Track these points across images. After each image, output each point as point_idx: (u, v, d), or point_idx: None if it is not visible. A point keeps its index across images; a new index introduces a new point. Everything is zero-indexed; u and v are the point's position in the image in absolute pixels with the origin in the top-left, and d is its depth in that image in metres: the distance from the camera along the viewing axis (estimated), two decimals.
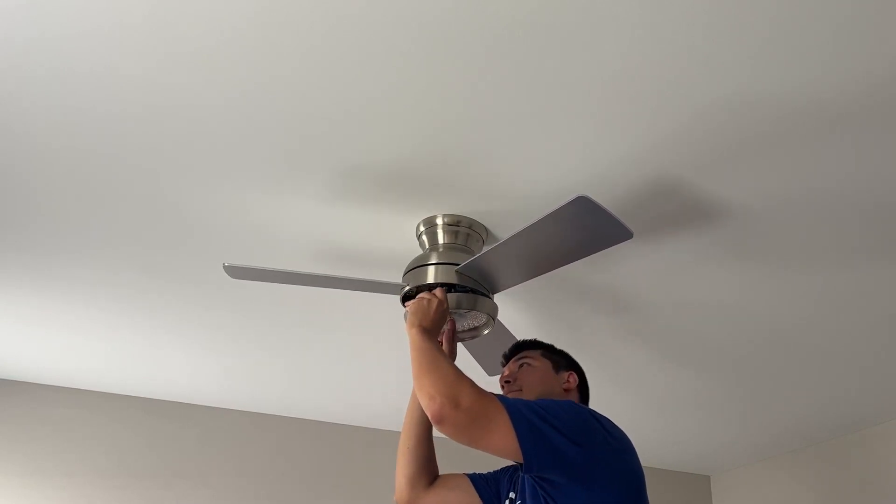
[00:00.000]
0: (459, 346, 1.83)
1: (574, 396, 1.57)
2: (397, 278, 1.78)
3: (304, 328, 2.36)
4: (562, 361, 1.62)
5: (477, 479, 1.62)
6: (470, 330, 1.71)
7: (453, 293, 1.60)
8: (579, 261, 1.54)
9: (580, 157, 1.47)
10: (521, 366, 1.60)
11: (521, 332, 2.08)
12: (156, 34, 1.22)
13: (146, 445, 3.03)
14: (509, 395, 1.54)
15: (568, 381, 1.58)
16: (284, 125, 1.43)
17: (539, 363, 1.60)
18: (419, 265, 1.64)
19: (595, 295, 2.00)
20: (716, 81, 1.25)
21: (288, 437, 3.21)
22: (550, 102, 1.32)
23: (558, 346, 1.68)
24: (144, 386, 3.00)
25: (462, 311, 1.62)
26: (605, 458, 1.29)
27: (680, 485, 3.57)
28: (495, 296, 1.70)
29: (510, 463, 1.52)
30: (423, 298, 1.54)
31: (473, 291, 1.61)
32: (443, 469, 1.66)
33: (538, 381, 1.56)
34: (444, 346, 1.68)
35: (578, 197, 1.30)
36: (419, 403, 1.42)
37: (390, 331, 2.27)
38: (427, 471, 1.61)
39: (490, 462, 1.51)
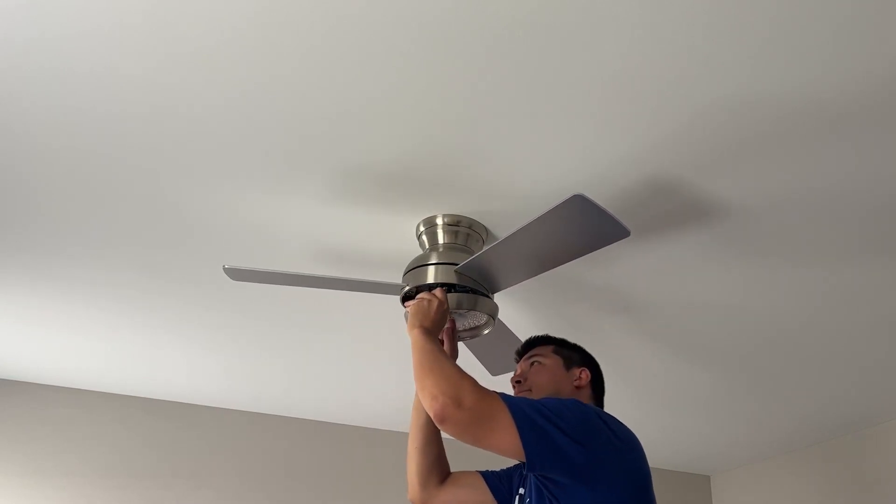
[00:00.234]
0: (461, 345, 1.83)
1: (586, 393, 1.54)
2: (397, 278, 1.79)
3: (304, 328, 2.36)
4: (574, 356, 1.59)
5: (489, 476, 1.61)
6: (470, 329, 1.71)
7: (453, 293, 1.60)
8: (579, 260, 1.54)
9: (580, 157, 1.47)
10: (532, 364, 1.58)
11: (522, 332, 2.08)
12: (156, 34, 1.22)
13: (146, 445, 3.03)
14: (524, 395, 1.54)
15: (579, 377, 1.55)
16: (284, 125, 1.43)
17: (549, 361, 1.58)
18: (419, 265, 1.64)
19: (595, 294, 2.00)
20: (716, 81, 1.25)
21: (288, 437, 3.21)
22: (550, 102, 1.32)
23: None
24: (144, 386, 3.00)
25: (462, 311, 1.62)
26: (608, 457, 1.28)
27: (680, 485, 3.57)
28: (495, 295, 1.70)
29: None
30: (423, 299, 1.54)
31: (473, 291, 1.61)
32: (456, 466, 1.65)
33: (548, 381, 1.54)
34: (446, 346, 1.68)
35: (574, 196, 1.30)
36: None
37: (390, 331, 2.27)
38: (438, 469, 1.62)
39: (500, 459, 1.50)
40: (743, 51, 1.18)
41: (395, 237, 1.80)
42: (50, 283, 2.16)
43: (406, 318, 1.58)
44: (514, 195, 1.60)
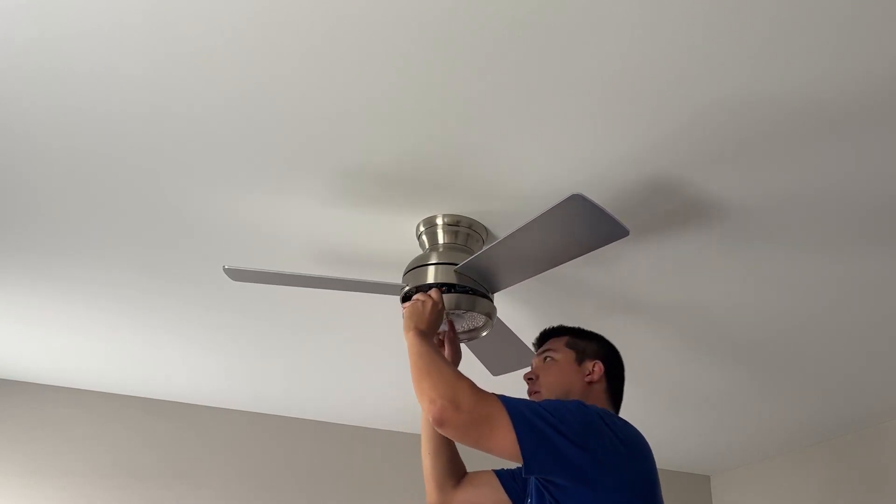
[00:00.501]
0: (462, 346, 1.82)
1: (599, 388, 1.50)
2: (397, 279, 1.79)
3: (304, 328, 2.36)
4: (588, 348, 1.55)
5: (504, 475, 1.60)
6: (469, 331, 1.71)
7: (452, 294, 1.59)
8: (579, 260, 1.54)
9: (580, 157, 1.47)
10: (546, 359, 1.55)
11: (522, 332, 2.08)
12: (156, 34, 1.22)
13: (146, 445, 3.03)
14: (531, 395, 1.53)
15: (592, 371, 1.51)
16: (284, 125, 1.43)
17: (561, 355, 1.54)
18: (419, 265, 1.64)
19: (595, 294, 2.00)
20: (716, 81, 1.25)
21: (288, 437, 3.21)
22: (550, 102, 1.32)
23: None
24: (144, 386, 3.00)
25: (460, 311, 1.62)
26: (611, 461, 1.26)
27: (680, 485, 3.57)
28: (495, 295, 1.70)
29: None
30: (417, 300, 1.54)
31: (473, 291, 1.61)
32: (470, 465, 1.65)
33: (558, 379, 1.51)
34: (447, 352, 1.68)
35: (573, 195, 1.30)
36: None
37: (390, 331, 2.27)
38: (453, 472, 1.61)
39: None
40: (743, 51, 1.18)
41: (395, 237, 1.80)
42: (50, 283, 2.16)
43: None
44: (514, 195, 1.60)
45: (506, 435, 1.22)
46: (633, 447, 1.32)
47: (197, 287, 2.13)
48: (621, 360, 1.58)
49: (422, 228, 1.73)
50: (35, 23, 1.22)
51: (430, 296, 1.55)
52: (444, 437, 1.61)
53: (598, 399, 1.48)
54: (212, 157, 1.54)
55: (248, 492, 3.05)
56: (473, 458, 1.59)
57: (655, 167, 1.48)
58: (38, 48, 1.27)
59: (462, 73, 1.26)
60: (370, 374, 2.69)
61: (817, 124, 1.33)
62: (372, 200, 1.66)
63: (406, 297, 1.65)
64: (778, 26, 1.13)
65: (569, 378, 1.50)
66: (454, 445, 1.63)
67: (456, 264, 1.59)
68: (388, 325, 2.23)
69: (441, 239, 1.71)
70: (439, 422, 1.25)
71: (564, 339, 1.58)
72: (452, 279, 1.59)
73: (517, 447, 1.21)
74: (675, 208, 1.61)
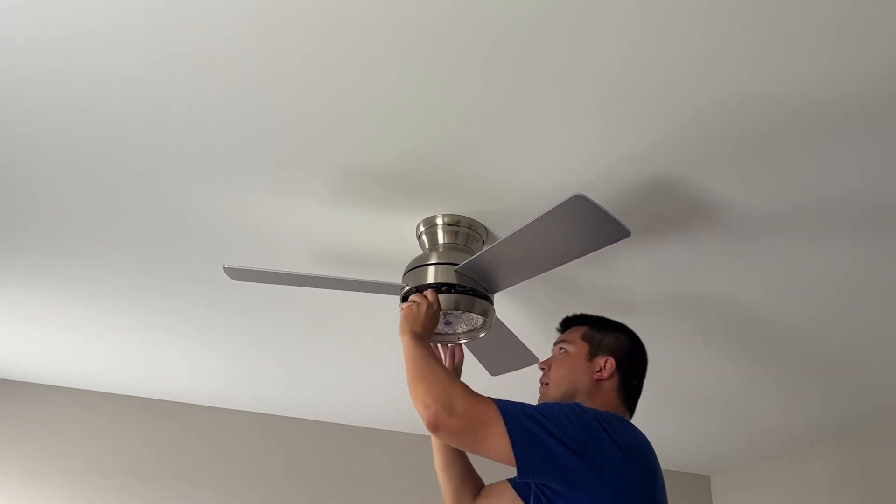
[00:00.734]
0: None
1: (608, 386, 1.45)
2: (397, 279, 1.79)
3: (305, 328, 2.36)
4: (604, 342, 1.49)
5: (518, 483, 1.55)
6: (468, 331, 1.71)
7: (450, 294, 1.59)
8: (579, 260, 1.54)
9: (580, 157, 1.47)
10: (560, 350, 1.52)
11: (522, 332, 2.09)
12: (156, 34, 1.22)
13: (146, 445, 3.03)
14: (541, 385, 1.51)
15: (602, 368, 1.46)
16: (284, 125, 1.43)
17: (575, 348, 1.50)
18: (419, 265, 1.64)
19: (595, 294, 2.00)
20: (716, 81, 1.25)
21: (288, 437, 3.21)
22: (550, 102, 1.32)
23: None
24: (144, 386, 3.00)
25: (458, 311, 1.61)
26: (608, 467, 1.24)
27: (680, 485, 3.57)
28: (495, 295, 1.70)
29: None
30: (412, 303, 1.54)
31: (473, 291, 1.61)
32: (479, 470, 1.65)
33: (566, 373, 1.47)
34: (446, 363, 1.69)
35: (575, 196, 1.30)
36: None
37: (390, 331, 2.27)
38: (468, 484, 1.59)
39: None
40: (743, 51, 1.18)
41: (395, 237, 1.80)
42: (50, 283, 2.16)
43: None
44: (514, 195, 1.60)
45: (500, 439, 1.21)
46: (633, 453, 1.29)
47: (197, 287, 2.13)
48: (642, 358, 1.52)
49: (422, 228, 1.73)
50: (35, 23, 1.22)
51: (425, 297, 1.55)
52: (454, 450, 1.60)
53: (607, 398, 1.44)
54: (212, 157, 1.54)
55: (248, 492, 3.05)
56: (486, 468, 1.58)
57: (655, 167, 1.48)
58: (38, 48, 1.27)
59: (462, 73, 1.26)
60: (370, 374, 2.69)
61: (817, 124, 1.33)
62: (372, 200, 1.66)
63: (406, 298, 1.65)
64: (778, 26, 1.13)
65: (577, 373, 1.46)
66: (467, 459, 1.62)
67: (456, 264, 1.59)
68: (389, 326, 2.23)
69: (441, 239, 1.71)
70: (433, 427, 1.25)
71: (583, 329, 1.53)
72: (452, 279, 1.59)
73: (511, 451, 1.20)
74: (676, 208, 1.61)
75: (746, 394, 2.61)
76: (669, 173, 1.49)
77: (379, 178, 1.58)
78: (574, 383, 1.46)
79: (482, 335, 1.71)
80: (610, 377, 1.45)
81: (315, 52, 1.24)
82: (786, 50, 1.18)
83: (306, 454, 3.19)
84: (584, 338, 1.51)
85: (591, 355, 1.48)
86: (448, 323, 1.66)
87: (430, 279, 1.60)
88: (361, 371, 2.68)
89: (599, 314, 1.60)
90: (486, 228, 1.73)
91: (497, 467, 1.29)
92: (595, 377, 1.45)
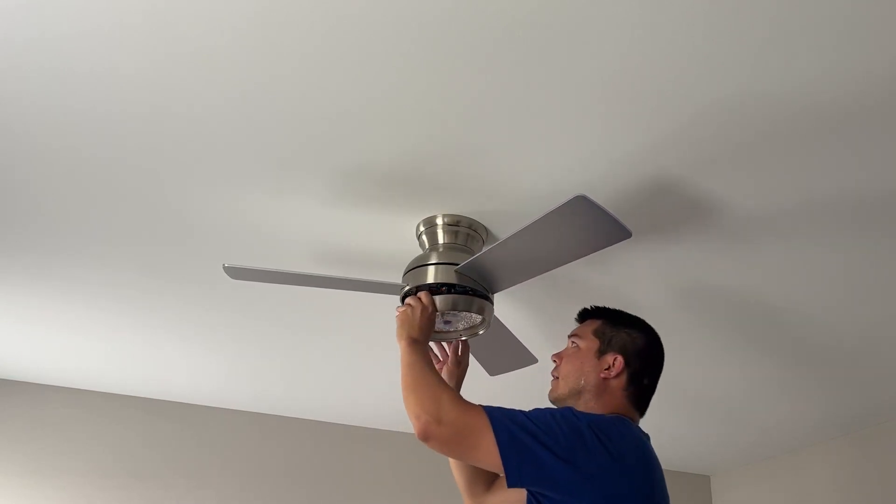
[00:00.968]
0: None
1: (616, 386, 1.42)
2: (397, 278, 1.78)
3: (304, 328, 2.36)
4: (615, 339, 1.46)
5: None
6: (467, 329, 1.71)
7: (449, 294, 1.59)
8: (580, 260, 1.54)
9: (580, 157, 1.47)
10: (573, 344, 1.50)
11: (522, 332, 2.09)
12: (156, 34, 1.22)
13: (146, 445, 3.03)
14: (552, 381, 1.50)
15: (611, 366, 1.43)
16: (284, 125, 1.43)
17: (586, 343, 1.47)
18: (419, 265, 1.64)
19: (595, 294, 2.00)
20: (716, 81, 1.25)
21: (288, 437, 3.21)
22: (550, 102, 1.32)
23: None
24: (144, 386, 3.00)
25: (457, 311, 1.61)
26: (598, 474, 1.22)
27: (680, 485, 3.57)
28: (496, 295, 1.70)
29: None
30: (408, 306, 1.54)
31: (473, 291, 1.61)
32: None
33: (575, 369, 1.45)
34: (449, 362, 1.69)
35: (577, 196, 1.30)
36: None
37: (390, 331, 2.26)
38: (480, 478, 1.59)
39: None
40: (743, 51, 1.18)
41: (395, 237, 1.80)
42: (50, 283, 2.16)
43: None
44: (514, 195, 1.60)
45: (489, 448, 1.21)
46: (627, 461, 1.26)
47: (197, 287, 2.13)
48: (657, 356, 1.49)
49: (422, 228, 1.73)
50: (35, 23, 1.22)
51: (420, 300, 1.55)
52: None
53: (613, 397, 1.42)
54: (212, 157, 1.54)
55: (248, 492, 3.05)
56: None
57: (656, 167, 1.48)
58: (38, 48, 1.27)
59: (462, 73, 1.26)
60: (370, 374, 2.69)
61: (817, 124, 1.33)
62: (372, 200, 1.66)
63: (405, 298, 1.65)
64: (778, 26, 1.13)
65: (585, 371, 1.44)
66: None
67: (456, 264, 1.59)
68: (388, 326, 2.22)
69: (441, 239, 1.71)
70: (424, 437, 1.25)
71: (596, 324, 1.50)
72: (453, 279, 1.59)
73: (500, 461, 1.20)
74: (676, 208, 1.61)
75: (747, 393, 2.61)
76: (670, 173, 1.49)
77: (379, 178, 1.58)
78: (581, 380, 1.44)
79: (481, 332, 1.71)
80: (617, 376, 1.42)
81: (315, 52, 1.24)
82: (786, 50, 1.17)
83: (306, 454, 3.19)
84: (595, 333, 1.48)
85: (601, 353, 1.45)
86: (447, 322, 1.67)
87: (431, 279, 1.60)
88: (361, 371, 2.67)
89: (592, 304, 1.57)
90: (486, 228, 1.73)
91: None
92: (602, 375, 1.42)
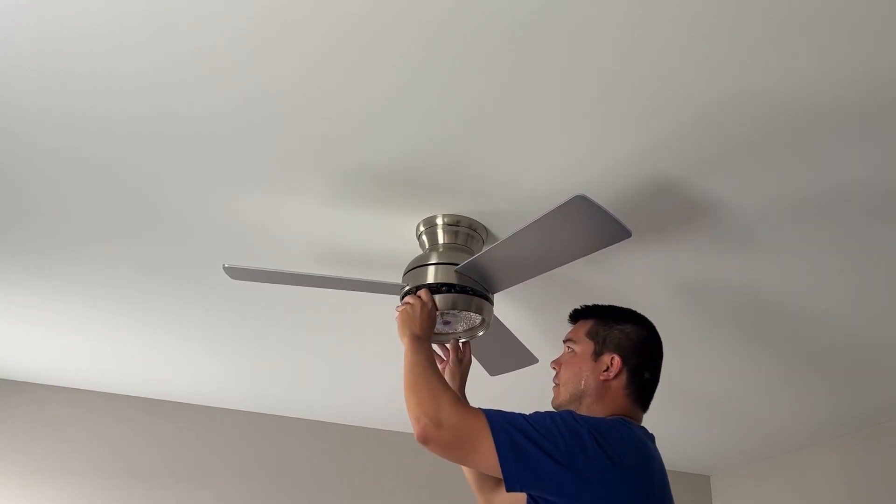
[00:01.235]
0: None
1: (616, 386, 1.41)
2: (397, 278, 1.79)
3: (305, 328, 2.36)
4: (609, 338, 1.44)
5: None
6: (466, 331, 1.71)
7: (448, 294, 1.59)
8: (580, 260, 1.54)
9: (580, 157, 1.47)
10: (568, 349, 1.48)
11: (522, 332, 2.09)
12: (156, 34, 1.22)
13: (146, 445, 3.03)
14: (554, 389, 1.49)
15: (609, 367, 1.41)
16: (284, 125, 1.43)
17: (581, 347, 1.46)
18: (419, 265, 1.64)
19: (595, 294, 2.00)
20: (716, 81, 1.25)
21: (288, 437, 3.21)
22: (551, 102, 1.32)
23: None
24: (144, 386, 3.00)
25: (456, 311, 1.61)
26: (597, 479, 1.21)
27: (680, 485, 3.57)
28: (496, 295, 1.70)
29: None
30: (407, 304, 1.54)
31: (473, 291, 1.61)
32: None
33: (574, 375, 1.44)
34: (451, 361, 1.69)
35: (576, 196, 1.30)
36: None
37: (390, 331, 2.26)
38: (487, 475, 1.58)
39: None
40: (743, 51, 1.18)
41: (395, 237, 1.80)
42: (50, 283, 2.16)
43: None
44: (514, 195, 1.60)
45: (488, 452, 1.21)
46: (627, 465, 1.25)
47: (197, 287, 2.13)
48: (654, 348, 1.47)
49: (422, 228, 1.73)
50: (35, 23, 1.22)
51: (419, 297, 1.55)
52: None
53: (615, 399, 1.41)
54: (212, 157, 1.54)
55: (248, 492, 3.05)
56: None
57: (655, 167, 1.48)
58: (38, 48, 1.27)
59: (462, 73, 1.26)
60: (370, 374, 2.69)
61: (818, 124, 1.33)
62: (372, 200, 1.66)
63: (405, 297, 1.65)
64: (778, 26, 1.13)
65: (584, 375, 1.42)
66: None
67: (456, 264, 1.59)
68: (389, 326, 2.23)
69: (441, 239, 1.71)
70: (423, 440, 1.25)
71: (589, 324, 1.48)
72: (453, 279, 1.59)
73: (499, 465, 1.20)
74: (676, 208, 1.61)
75: (747, 393, 2.62)
76: (670, 173, 1.49)
77: (379, 178, 1.58)
78: (581, 385, 1.42)
79: (481, 333, 1.71)
80: (617, 376, 1.41)
81: (315, 52, 1.24)
82: (786, 50, 1.18)
83: (306, 454, 3.19)
84: (589, 335, 1.47)
85: (597, 354, 1.43)
86: (447, 322, 1.67)
87: (430, 279, 1.60)
88: (361, 371, 2.67)
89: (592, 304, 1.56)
90: (486, 228, 1.73)
91: None
92: (602, 377, 1.41)
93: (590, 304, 1.54)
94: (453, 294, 1.59)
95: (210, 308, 2.26)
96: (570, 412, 1.31)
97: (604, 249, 1.48)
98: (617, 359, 1.42)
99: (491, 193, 1.60)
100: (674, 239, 1.73)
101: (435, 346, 1.73)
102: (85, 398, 3.05)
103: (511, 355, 1.99)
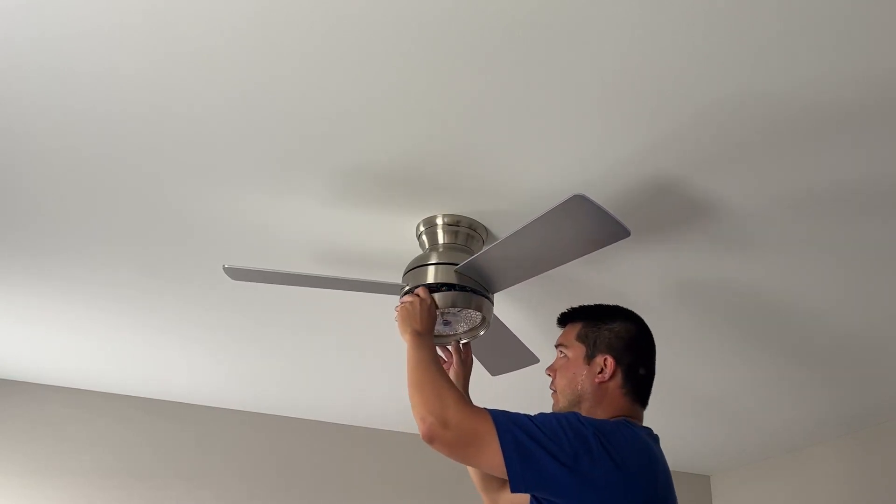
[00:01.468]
0: None
1: (613, 387, 1.40)
2: (397, 278, 1.79)
3: (304, 328, 2.36)
4: (599, 339, 1.43)
5: None
6: (467, 331, 1.71)
7: (448, 292, 1.59)
8: (579, 260, 1.54)
9: (580, 157, 1.47)
10: (561, 354, 1.48)
11: (522, 332, 2.09)
12: (156, 34, 1.22)
13: (146, 445, 3.03)
14: (552, 396, 1.48)
15: (603, 368, 1.40)
16: (284, 125, 1.43)
17: (573, 352, 1.45)
18: (419, 265, 1.64)
19: (595, 294, 2.00)
20: (716, 81, 1.25)
21: (288, 437, 3.21)
22: (550, 102, 1.32)
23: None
24: (144, 386, 3.00)
25: (456, 309, 1.61)
26: (602, 482, 1.20)
27: (680, 485, 3.52)
28: (496, 295, 1.70)
29: None
30: (405, 303, 1.54)
31: (473, 291, 1.61)
32: None
33: (569, 381, 1.43)
34: (455, 363, 1.69)
35: (575, 196, 1.30)
36: None
37: (390, 331, 2.27)
38: (492, 475, 1.55)
39: None
40: (743, 51, 1.18)
41: (395, 237, 1.80)
42: (50, 283, 2.16)
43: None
44: (514, 195, 1.60)
45: (494, 453, 1.20)
46: (631, 468, 1.24)
47: (197, 287, 2.13)
48: (646, 343, 1.46)
49: (422, 228, 1.73)
50: (35, 23, 1.22)
51: (417, 295, 1.55)
52: None
53: (613, 400, 1.40)
54: (212, 157, 1.54)
55: (248, 492, 3.05)
56: None
57: (655, 167, 1.48)
58: (38, 48, 1.27)
59: (462, 73, 1.26)
60: (370, 374, 2.69)
61: (818, 124, 1.33)
62: (372, 200, 1.66)
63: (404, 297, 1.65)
64: (778, 26, 1.13)
65: (579, 380, 1.42)
66: None
67: (456, 264, 1.59)
68: (388, 326, 2.23)
69: (441, 239, 1.71)
70: (429, 439, 1.25)
71: (578, 327, 1.47)
72: (452, 279, 1.59)
73: (504, 465, 1.20)
74: (676, 208, 1.61)
75: (747, 393, 2.62)
76: (669, 173, 1.49)
77: (379, 178, 1.58)
78: (577, 391, 1.42)
79: (482, 333, 1.71)
80: (612, 377, 1.40)
81: (315, 52, 1.24)
82: (786, 50, 1.18)
83: (306, 454, 3.19)
84: (579, 338, 1.46)
85: (589, 357, 1.43)
86: (447, 323, 1.66)
87: (430, 279, 1.60)
88: (361, 371, 2.68)
89: (595, 302, 1.55)
90: (486, 228, 1.73)
91: None
92: (597, 380, 1.40)
93: (576, 305, 1.53)
94: (453, 292, 1.59)
95: (210, 308, 2.26)
96: (575, 414, 1.30)
97: (603, 249, 1.48)
98: (610, 359, 1.41)
99: (491, 193, 1.61)
100: (673, 239, 1.73)
101: (437, 349, 1.73)
102: (85, 398, 3.05)
103: (512, 355, 1.99)
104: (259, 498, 3.05)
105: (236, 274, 1.71)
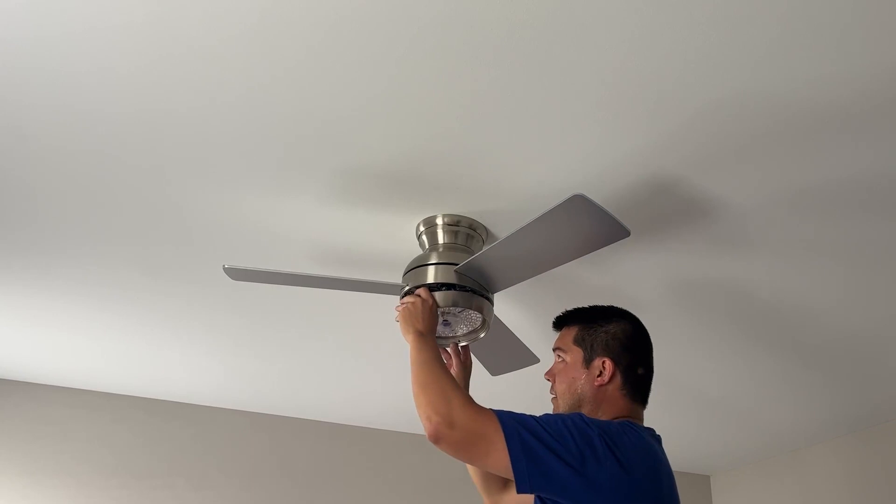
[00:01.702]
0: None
1: (613, 389, 1.40)
2: (397, 279, 1.79)
3: (304, 328, 2.36)
4: (596, 342, 1.43)
5: None
6: (468, 333, 1.70)
7: (448, 292, 1.59)
8: (579, 260, 1.54)
9: (580, 157, 1.47)
10: (559, 359, 1.47)
11: (522, 332, 2.09)
12: (156, 34, 1.22)
13: (146, 445, 3.03)
14: (552, 401, 1.48)
15: (602, 371, 1.40)
16: (284, 125, 1.43)
17: (570, 356, 1.45)
18: (419, 265, 1.64)
19: (595, 294, 2.00)
20: (716, 81, 1.25)
21: (288, 437, 3.21)
22: (550, 102, 1.32)
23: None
24: (144, 386, 3.00)
25: (457, 309, 1.61)
26: (607, 483, 1.20)
27: (680, 485, 3.53)
28: (495, 295, 1.70)
29: None
30: (406, 303, 1.54)
31: (473, 291, 1.61)
32: None
33: (567, 388, 1.43)
34: (455, 364, 1.69)
35: (574, 196, 1.30)
36: None
37: (390, 331, 2.27)
38: (496, 476, 1.58)
39: None
40: (743, 51, 1.18)
41: (395, 237, 1.80)
42: (50, 283, 2.16)
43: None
44: (514, 195, 1.60)
45: (500, 454, 1.20)
46: (636, 470, 1.24)
47: (197, 287, 2.13)
48: (643, 342, 1.46)
49: (422, 228, 1.73)
50: (35, 23, 1.22)
51: (418, 295, 1.55)
52: None
53: (614, 402, 1.40)
54: (212, 157, 1.54)
55: (248, 492, 3.05)
56: None
57: (655, 167, 1.48)
58: (38, 48, 1.27)
59: (462, 73, 1.26)
60: (370, 374, 2.69)
61: (818, 124, 1.33)
62: (372, 200, 1.66)
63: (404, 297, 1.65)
64: (779, 27, 1.13)
65: (578, 384, 1.42)
66: None
67: (456, 264, 1.59)
68: (388, 326, 2.23)
69: (441, 239, 1.71)
70: (435, 439, 1.24)
71: (574, 330, 1.47)
72: (452, 279, 1.59)
73: (510, 466, 1.19)
74: (675, 208, 1.61)
75: (747, 393, 2.62)
76: (669, 173, 1.49)
77: (379, 178, 1.58)
78: (577, 395, 1.41)
79: (482, 335, 1.71)
80: (612, 379, 1.40)
81: (315, 52, 1.24)
82: (786, 50, 1.18)
83: (306, 454, 3.19)
84: (576, 341, 1.46)
85: (588, 361, 1.42)
86: (447, 323, 1.66)
87: (431, 279, 1.60)
88: (361, 371, 2.68)
89: (592, 303, 1.55)
90: (486, 228, 1.73)
91: None
92: (597, 383, 1.40)
93: (571, 307, 1.53)
94: (453, 292, 1.59)
95: (210, 308, 2.26)
96: (580, 415, 1.30)
97: (603, 249, 1.48)
98: (608, 362, 1.41)
99: (491, 193, 1.61)
100: (673, 239, 1.73)
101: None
102: (85, 398, 3.05)
103: (512, 355, 1.99)
104: (259, 498, 3.05)
105: (236, 274, 1.71)
